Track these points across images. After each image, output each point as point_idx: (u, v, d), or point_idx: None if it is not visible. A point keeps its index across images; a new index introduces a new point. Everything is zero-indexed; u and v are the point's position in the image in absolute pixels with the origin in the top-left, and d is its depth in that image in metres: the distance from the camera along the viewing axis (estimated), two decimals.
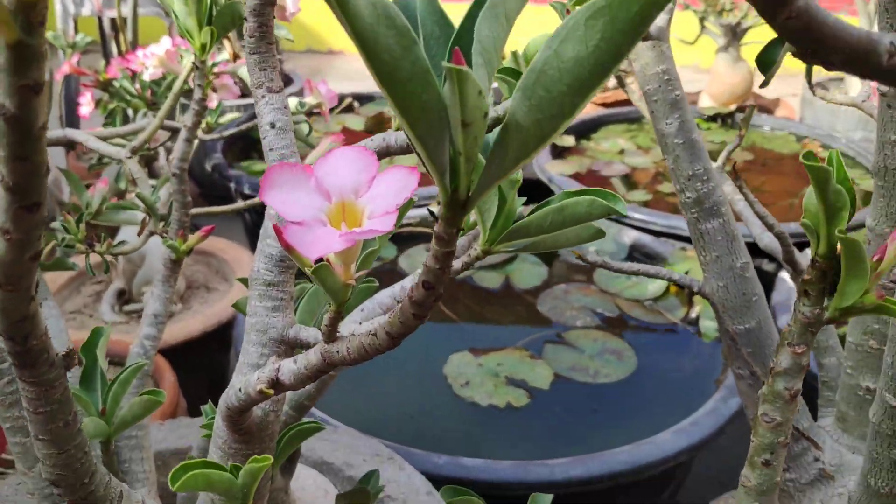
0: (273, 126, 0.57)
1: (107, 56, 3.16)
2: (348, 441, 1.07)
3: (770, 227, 0.72)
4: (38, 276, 0.90)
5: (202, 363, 1.75)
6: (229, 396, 0.51)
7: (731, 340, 0.70)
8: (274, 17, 0.58)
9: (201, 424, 0.65)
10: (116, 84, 1.69)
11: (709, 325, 1.54)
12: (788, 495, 0.72)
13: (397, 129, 0.65)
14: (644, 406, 1.37)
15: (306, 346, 0.56)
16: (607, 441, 1.24)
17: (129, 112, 1.97)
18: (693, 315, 1.59)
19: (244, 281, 0.80)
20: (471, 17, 0.34)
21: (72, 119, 2.50)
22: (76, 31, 3.22)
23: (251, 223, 2.31)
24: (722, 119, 2.89)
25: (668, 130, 0.67)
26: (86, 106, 1.79)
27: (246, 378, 0.50)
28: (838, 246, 0.37)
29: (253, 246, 2.36)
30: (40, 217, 0.30)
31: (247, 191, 2.26)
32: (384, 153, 0.57)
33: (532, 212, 0.47)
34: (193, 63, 0.82)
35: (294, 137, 0.58)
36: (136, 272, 1.83)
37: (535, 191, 2.14)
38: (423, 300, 0.37)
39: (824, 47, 0.26)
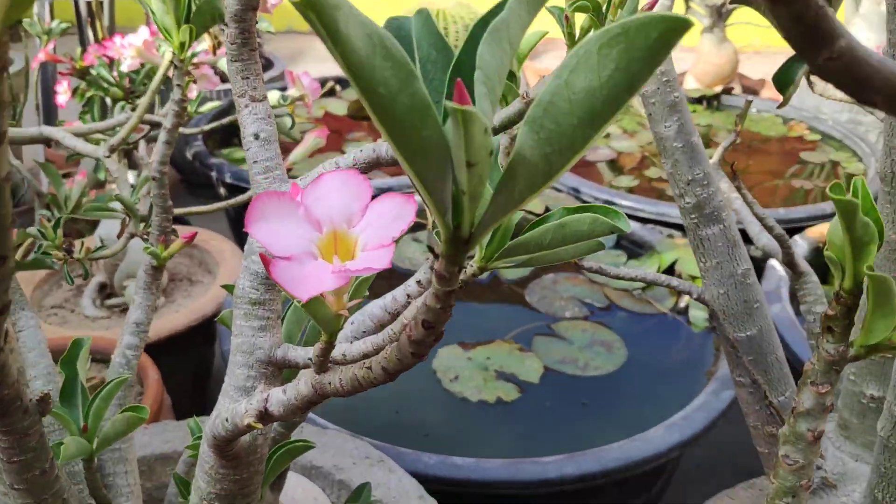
0: (257, 137, 0.54)
1: (83, 42, 3.09)
2: (337, 443, 1.05)
3: (769, 229, 0.71)
4: (14, 285, 0.86)
5: (187, 358, 1.72)
6: (215, 426, 0.49)
7: (731, 348, 0.68)
8: (257, 22, 0.55)
9: (187, 445, 0.62)
10: (94, 72, 1.65)
11: (698, 315, 1.53)
12: None
13: None
14: (635, 399, 1.36)
15: (295, 366, 0.54)
16: (599, 435, 1.22)
17: (107, 100, 1.93)
18: (682, 304, 1.57)
19: (230, 288, 0.77)
20: (472, 41, 0.32)
21: (49, 107, 2.45)
22: (52, 15, 3.16)
23: (234, 214, 2.28)
24: (707, 101, 2.87)
25: (666, 134, 0.65)
26: (63, 94, 1.75)
27: (233, 407, 0.47)
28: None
29: (236, 236, 2.32)
30: (7, 270, 0.28)
31: (228, 179, 2.22)
32: (374, 164, 0.55)
33: (531, 227, 0.45)
34: (172, 62, 0.79)
35: (279, 148, 0.55)
36: (118, 266, 1.80)
37: None
38: (422, 339, 0.35)
39: (866, 87, 0.23)
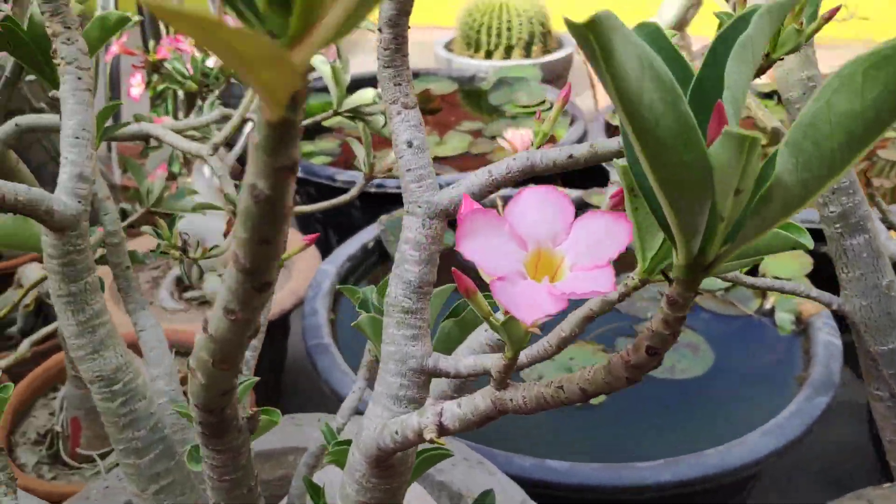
0: (410, 145, 0.54)
1: (144, 33, 3.12)
2: None
3: None
4: (135, 284, 0.88)
5: (263, 352, 1.73)
6: (383, 438, 0.48)
7: (871, 361, 0.67)
8: (409, 28, 0.55)
9: (328, 451, 0.62)
10: (168, 66, 1.67)
11: (784, 318, 1.50)
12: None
13: (539, 147, 0.62)
14: (725, 403, 1.34)
15: (446, 375, 0.54)
16: (690, 440, 1.21)
17: (180, 93, 1.94)
18: (767, 306, 1.54)
19: (350, 292, 0.77)
20: (714, 56, 0.31)
21: (114, 99, 2.48)
22: (117, 7, 3.19)
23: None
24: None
25: None
26: (136, 87, 1.77)
27: (402, 420, 0.47)
28: None
29: (304, 228, 2.34)
30: (268, 296, 0.28)
31: (298, 174, 2.23)
32: (528, 172, 0.54)
33: None
34: None
35: (430, 156, 0.55)
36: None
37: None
38: (643, 364, 0.34)
39: None
